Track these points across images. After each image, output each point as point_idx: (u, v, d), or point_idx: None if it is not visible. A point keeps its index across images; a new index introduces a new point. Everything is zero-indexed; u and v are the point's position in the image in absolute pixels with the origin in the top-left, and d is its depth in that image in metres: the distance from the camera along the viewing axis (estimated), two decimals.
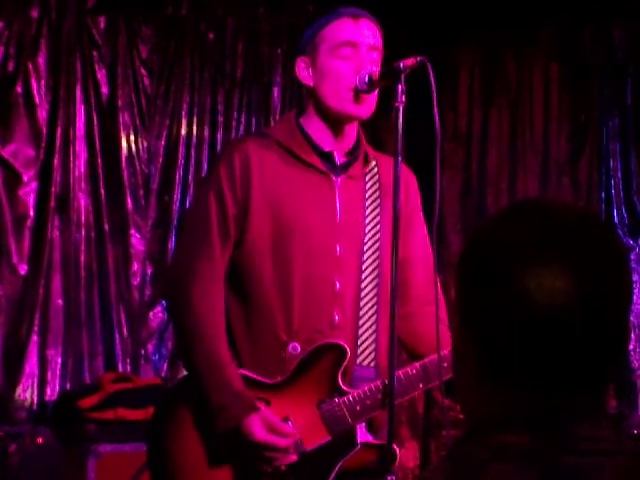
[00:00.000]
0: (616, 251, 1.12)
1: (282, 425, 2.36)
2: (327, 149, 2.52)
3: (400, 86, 2.31)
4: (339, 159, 2.54)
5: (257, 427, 2.33)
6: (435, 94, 2.28)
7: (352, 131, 2.55)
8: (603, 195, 5.44)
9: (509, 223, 1.13)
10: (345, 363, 2.43)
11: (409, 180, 2.60)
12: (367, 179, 2.57)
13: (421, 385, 2.42)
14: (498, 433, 1.09)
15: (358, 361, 2.47)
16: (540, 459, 1.07)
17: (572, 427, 1.09)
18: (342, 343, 2.43)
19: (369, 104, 2.47)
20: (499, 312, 1.10)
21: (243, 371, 2.43)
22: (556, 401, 1.10)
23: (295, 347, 2.44)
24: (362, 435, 2.44)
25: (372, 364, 2.49)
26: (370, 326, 2.49)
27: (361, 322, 2.49)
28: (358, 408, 2.41)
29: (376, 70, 2.41)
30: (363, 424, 2.45)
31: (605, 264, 1.10)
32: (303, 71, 2.52)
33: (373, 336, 2.49)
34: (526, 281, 1.08)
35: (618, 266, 1.11)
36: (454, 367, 1.19)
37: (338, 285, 2.47)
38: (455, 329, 1.17)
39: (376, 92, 2.47)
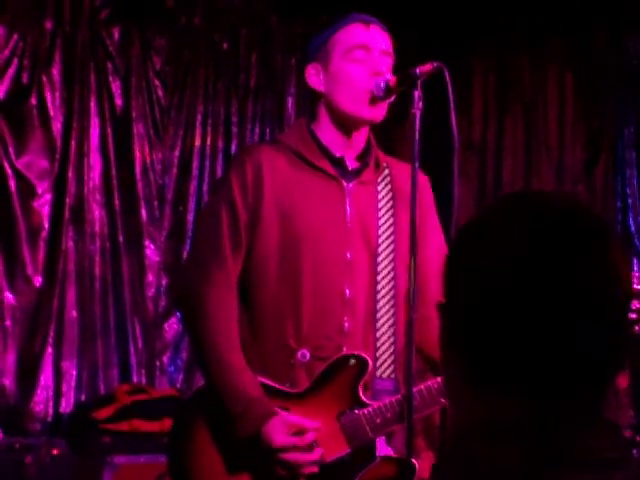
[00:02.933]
0: (606, 244, 1.05)
1: (302, 421, 2.34)
2: (338, 154, 2.51)
3: (417, 92, 2.30)
4: (350, 165, 2.53)
5: (277, 431, 2.31)
6: (452, 100, 2.27)
7: (362, 136, 2.54)
8: (619, 204, 5.41)
9: (493, 220, 1.08)
10: (367, 375, 2.41)
11: (422, 183, 2.58)
12: (380, 185, 2.56)
13: (443, 399, 2.39)
14: (484, 445, 1.02)
15: (378, 373, 2.45)
16: (532, 474, 0.99)
17: (567, 436, 1.01)
18: (364, 355, 2.41)
19: (382, 108, 2.46)
20: (483, 311, 1.04)
21: (262, 379, 2.41)
22: (548, 407, 1.02)
23: (304, 354, 2.43)
24: (382, 448, 2.42)
25: (392, 375, 2.46)
26: (388, 336, 2.47)
27: (379, 334, 2.47)
28: (379, 421, 2.38)
29: (392, 77, 2.40)
30: (383, 437, 2.42)
31: (597, 260, 1.03)
32: (314, 77, 2.51)
33: (392, 347, 2.47)
34: (511, 280, 1.03)
35: (612, 262, 1.04)
36: (442, 371, 1.14)
37: (348, 291, 2.45)
38: (442, 331, 1.11)
39: (391, 98, 2.46)
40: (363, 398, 2.40)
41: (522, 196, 1.10)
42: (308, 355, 2.42)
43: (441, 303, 1.10)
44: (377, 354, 2.45)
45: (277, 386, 2.41)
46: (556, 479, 0.99)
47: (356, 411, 2.39)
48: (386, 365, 2.45)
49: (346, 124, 2.50)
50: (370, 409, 2.38)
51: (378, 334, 2.46)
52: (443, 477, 1.04)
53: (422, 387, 2.36)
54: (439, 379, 2.38)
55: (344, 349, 2.43)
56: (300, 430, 2.33)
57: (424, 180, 2.61)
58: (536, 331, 1.02)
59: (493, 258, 1.05)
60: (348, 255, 2.46)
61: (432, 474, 1.06)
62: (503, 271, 1.04)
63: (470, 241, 1.09)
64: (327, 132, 2.52)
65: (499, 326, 1.03)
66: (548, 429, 1.02)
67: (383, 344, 2.46)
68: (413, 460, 2.31)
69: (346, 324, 2.44)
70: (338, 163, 2.51)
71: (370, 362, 2.40)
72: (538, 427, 1.02)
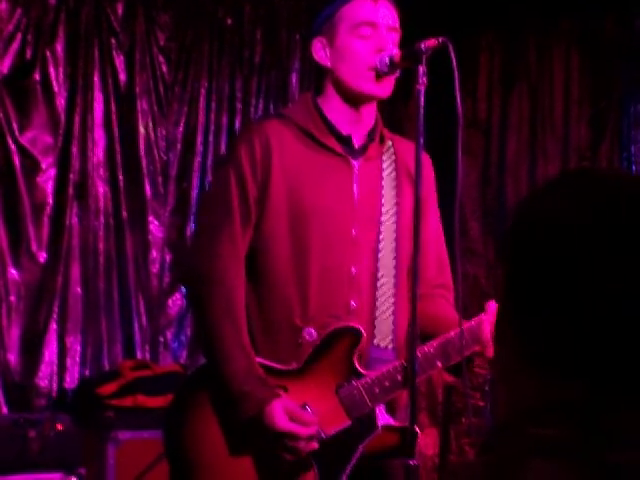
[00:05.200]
0: None
1: (303, 413, 2.34)
2: (345, 132, 2.50)
3: (422, 67, 2.29)
4: (357, 142, 2.51)
5: (279, 415, 2.30)
6: (457, 75, 2.25)
7: (370, 112, 2.53)
8: None
9: (562, 198, 1.03)
10: (360, 345, 2.40)
11: (424, 162, 2.57)
12: (384, 159, 2.55)
13: (439, 363, 2.40)
14: (540, 425, 1.00)
15: (376, 341, 2.44)
16: (587, 454, 0.97)
17: (626, 419, 0.99)
18: (356, 325, 2.40)
19: (389, 84, 2.45)
20: (549, 288, 1.01)
21: (258, 359, 2.40)
22: (608, 390, 1.00)
23: (311, 333, 2.42)
24: (382, 418, 2.42)
25: (390, 346, 2.46)
26: (387, 308, 2.47)
27: (378, 304, 2.46)
28: (377, 390, 2.38)
29: (397, 52, 2.39)
30: (383, 406, 2.43)
31: None
32: (320, 51, 2.50)
33: (391, 318, 2.47)
34: (581, 260, 0.99)
35: None
36: (495, 349, 1.11)
37: (354, 269, 2.45)
38: (498, 308, 1.07)
39: (396, 73, 2.45)
40: (359, 368, 2.40)
41: (595, 170, 1.07)
42: (315, 334, 2.42)
43: (501, 278, 1.06)
44: (375, 323, 2.45)
45: (272, 364, 2.40)
46: (611, 460, 0.97)
47: (354, 382, 2.39)
48: (384, 334, 2.45)
49: (353, 99, 2.48)
50: (368, 379, 2.39)
51: (377, 303, 2.46)
52: (493, 456, 1.02)
53: (417, 353, 2.36)
54: (434, 343, 2.39)
55: None
56: (301, 422, 2.33)
57: (427, 159, 2.60)
58: (608, 311, 0.98)
59: (567, 229, 1.01)
60: (354, 233, 2.46)
61: (480, 452, 1.04)
62: (578, 243, 1.00)
63: (538, 211, 1.04)
64: (334, 108, 2.50)
65: (565, 303, 1.00)
66: (610, 412, 1.00)
67: (382, 314, 2.46)
68: (415, 427, 2.31)
69: (352, 302, 2.44)
70: (345, 141, 2.50)
71: (363, 331, 2.40)
72: (600, 409, 1.00)
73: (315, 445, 2.34)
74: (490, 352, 2.40)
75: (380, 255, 2.48)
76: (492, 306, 2.41)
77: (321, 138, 2.48)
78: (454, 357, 2.39)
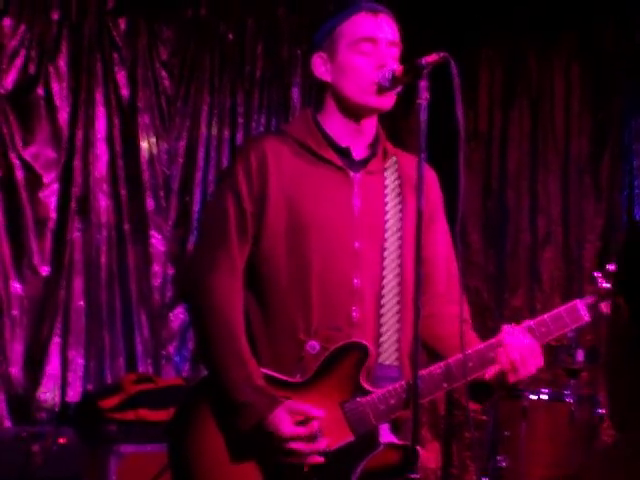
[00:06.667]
0: None
1: (307, 409, 2.34)
2: (344, 145, 2.51)
3: (423, 83, 2.29)
4: (357, 155, 2.52)
5: (283, 420, 2.31)
6: (458, 91, 2.26)
7: (371, 126, 2.54)
8: (625, 194, 5.41)
9: None
10: (368, 362, 2.41)
11: (430, 178, 2.58)
12: (387, 174, 2.55)
13: (445, 385, 2.39)
14: None
15: (380, 360, 2.44)
16: None
17: None
18: (365, 342, 2.41)
19: (391, 97, 2.46)
20: None
21: (264, 370, 2.41)
22: None
23: (313, 346, 2.42)
24: (385, 435, 2.42)
25: (395, 363, 2.46)
26: (392, 325, 2.47)
27: (383, 320, 2.46)
28: (382, 408, 2.38)
29: (398, 67, 2.40)
30: (387, 424, 2.43)
31: None
32: (320, 67, 2.51)
33: (395, 335, 2.47)
34: None
35: None
36: (613, 363, 1.11)
37: (356, 282, 2.45)
38: (615, 334, 1.08)
39: (398, 89, 2.46)
40: (365, 385, 2.40)
41: None
42: (318, 347, 2.42)
43: (618, 293, 1.05)
44: (380, 340, 2.45)
45: (279, 376, 2.41)
46: None
47: (359, 399, 2.39)
48: (389, 351, 2.45)
49: (354, 113, 2.49)
50: (373, 396, 2.39)
51: (382, 320, 2.46)
52: (619, 450, 1.03)
53: (424, 373, 2.36)
54: (441, 364, 2.39)
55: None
56: (305, 418, 2.33)
57: (433, 176, 2.61)
58: None
59: None
60: (356, 245, 2.46)
61: (606, 449, 1.03)
62: None
63: None
64: (334, 122, 2.51)
65: None
66: None
67: (387, 330, 2.46)
68: (417, 447, 2.31)
69: (355, 314, 2.44)
70: (344, 153, 2.51)
71: (371, 349, 2.41)
72: None
73: (320, 445, 2.34)
74: (512, 378, 2.39)
75: (384, 269, 2.48)
76: (506, 330, 2.40)
77: (319, 151, 2.49)
78: (459, 380, 2.39)
